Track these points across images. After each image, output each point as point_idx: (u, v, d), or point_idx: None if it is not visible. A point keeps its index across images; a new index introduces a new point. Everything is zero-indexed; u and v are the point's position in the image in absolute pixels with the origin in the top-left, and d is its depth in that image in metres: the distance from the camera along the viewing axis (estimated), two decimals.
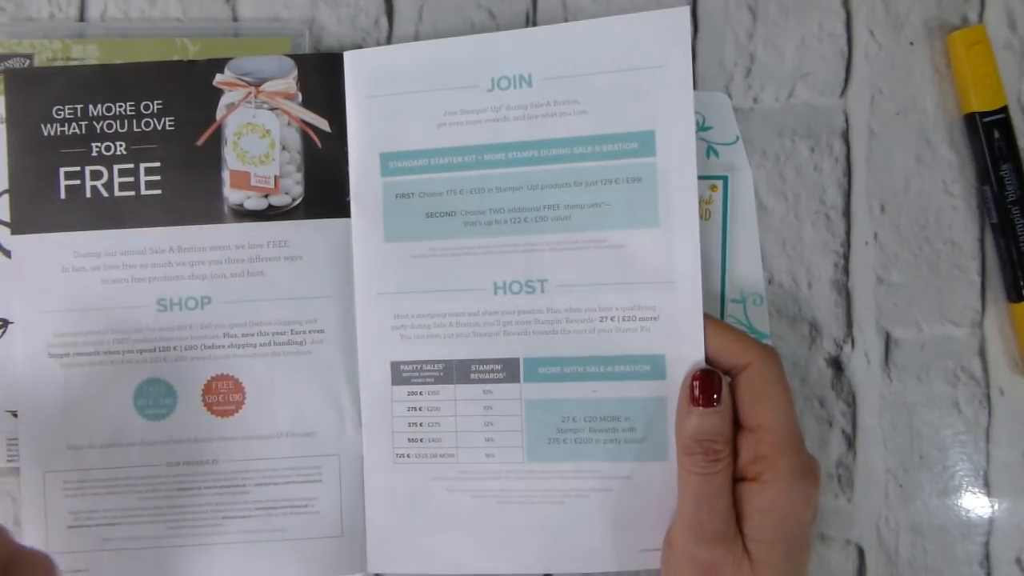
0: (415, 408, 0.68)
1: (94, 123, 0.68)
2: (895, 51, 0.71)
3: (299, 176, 0.69)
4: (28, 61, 0.70)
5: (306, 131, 0.69)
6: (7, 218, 0.69)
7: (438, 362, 0.68)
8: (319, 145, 0.69)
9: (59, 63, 0.70)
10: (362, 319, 0.68)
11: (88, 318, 0.68)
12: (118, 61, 0.70)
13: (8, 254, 0.69)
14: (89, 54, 0.70)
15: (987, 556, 0.70)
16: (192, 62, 0.69)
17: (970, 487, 0.70)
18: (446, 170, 0.67)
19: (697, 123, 0.70)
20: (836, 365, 0.71)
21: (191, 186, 0.69)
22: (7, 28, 0.71)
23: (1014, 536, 0.70)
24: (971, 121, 0.69)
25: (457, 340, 0.67)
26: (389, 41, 0.72)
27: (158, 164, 0.68)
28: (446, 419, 0.68)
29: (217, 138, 0.69)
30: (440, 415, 0.68)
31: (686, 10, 0.64)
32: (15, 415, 0.69)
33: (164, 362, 0.68)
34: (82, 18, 0.72)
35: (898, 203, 0.70)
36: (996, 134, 0.68)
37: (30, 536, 0.68)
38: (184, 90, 0.69)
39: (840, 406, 0.71)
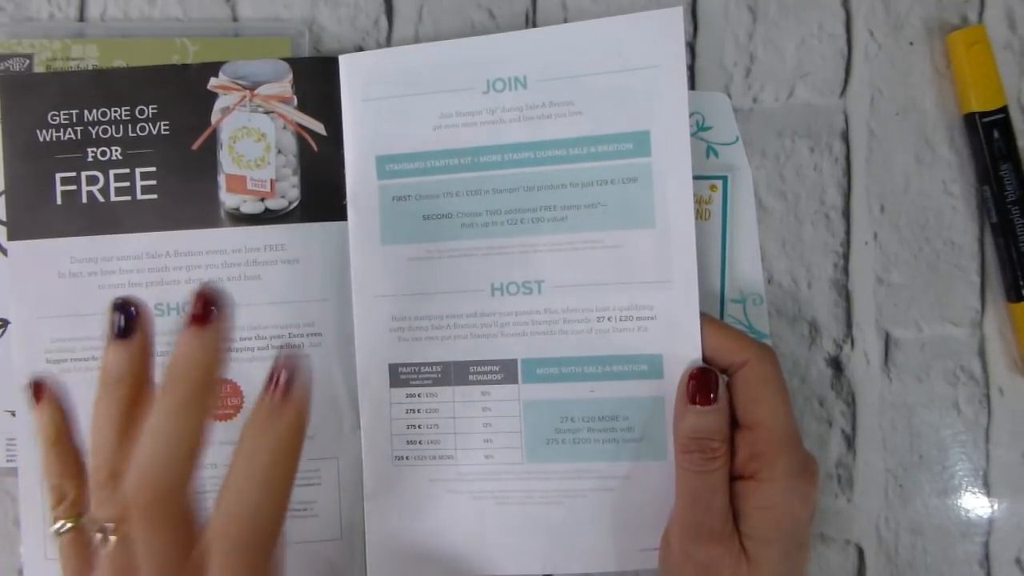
0: (413, 410, 0.68)
1: (89, 128, 0.68)
2: (895, 51, 0.70)
3: (295, 179, 0.69)
4: (28, 61, 0.70)
5: (301, 134, 0.69)
6: (5, 218, 0.69)
7: (436, 364, 0.68)
8: (315, 148, 0.69)
9: (59, 63, 0.70)
10: (360, 322, 0.68)
11: (86, 324, 0.68)
12: (118, 61, 0.70)
13: (6, 252, 0.69)
14: (89, 54, 0.71)
15: (987, 556, 0.70)
16: (186, 66, 0.69)
17: (970, 487, 0.70)
18: (442, 172, 0.67)
19: (697, 123, 0.70)
20: (836, 365, 0.71)
21: (187, 191, 0.69)
22: (7, 28, 0.71)
23: (1014, 536, 0.70)
24: (971, 121, 0.69)
25: (455, 342, 0.68)
26: (389, 41, 0.72)
27: (154, 169, 0.68)
28: (445, 421, 0.68)
29: (212, 142, 0.69)
30: (439, 417, 0.68)
31: (679, 10, 0.64)
32: (14, 415, 0.69)
33: (161, 367, 0.68)
34: (82, 18, 0.72)
35: (898, 203, 0.70)
36: (996, 134, 0.68)
37: (29, 541, 0.68)
38: (179, 94, 0.69)
39: (840, 406, 0.71)
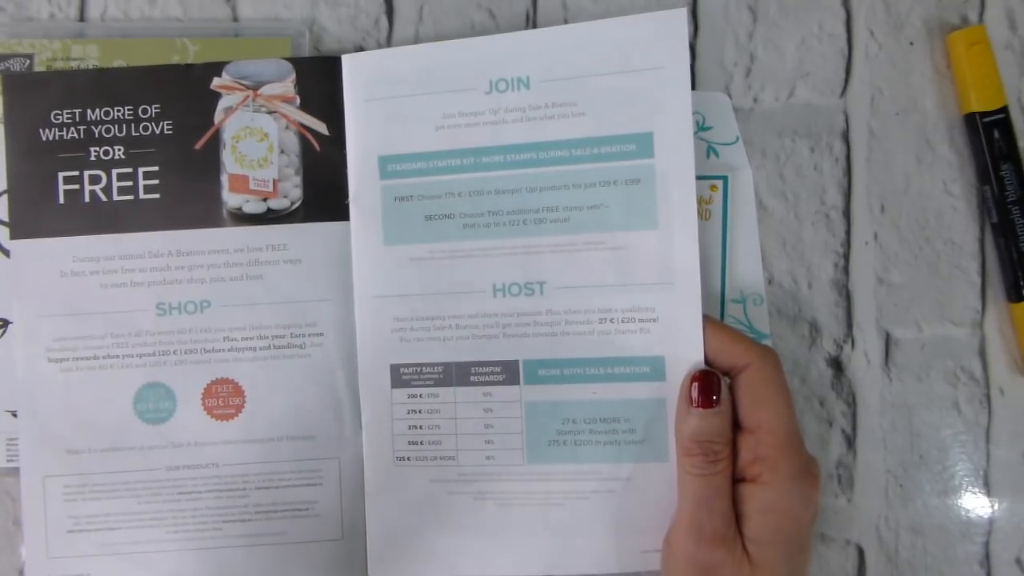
0: (415, 411, 0.68)
1: (92, 128, 0.68)
2: (895, 51, 0.71)
3: (298, 179, 0.69)
4: (28, 61, 0.70)
5: (304, 134, 0.69)
6: (7, 218, 0.69)
7: (438, 365, 0.68)
8: (317, 148, 0.69)
9: (59, 63, 0.70)
10: (361, 322, 0.68)
11: (87, 322, 0.68)
12: (118, 61, 0.70)
13: (8, 253, 0.69)
14: (89, 54, 0.70)
15: (987, 556, 0.70)
16: (189, 66, 0.69)
17: (970, 487, 0.70)
18: (445, 173, 0.67)
19: (697, 123, 0.70)
20: (836, 365, 0.71)
21: (190, 190, 0.69)
22: (7, 28, 0.71)
23: (1014, 536, 0.70)
24: (971, 121, 0.69)
25: (457, 343, 0.67)
26: (389, 41, 0.72)
27: (156, 168, 0.68)
28: (446, 422, 0.68)
29: (215, 142, 0.69)
30: (440, 417, 0.68)
31: (683, 11, 0.64)
32: (15, 415, 0.69)
33: (164, 366, 0.68)
34: (82, 18, 0.72)
35: (898, 203, 0.70)
36: (996, 134, 0.68)
37: (30, 540, 0.68)
38: (182, 94, 0.69)
39: (840, 406, 0.71)
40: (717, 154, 0.70)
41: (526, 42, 0.67)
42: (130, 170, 0.68)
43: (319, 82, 0.69)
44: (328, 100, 0.69)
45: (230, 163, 0.69)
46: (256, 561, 0.68)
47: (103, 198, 0.68)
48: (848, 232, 0.70)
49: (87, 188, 0.68)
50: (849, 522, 0.71)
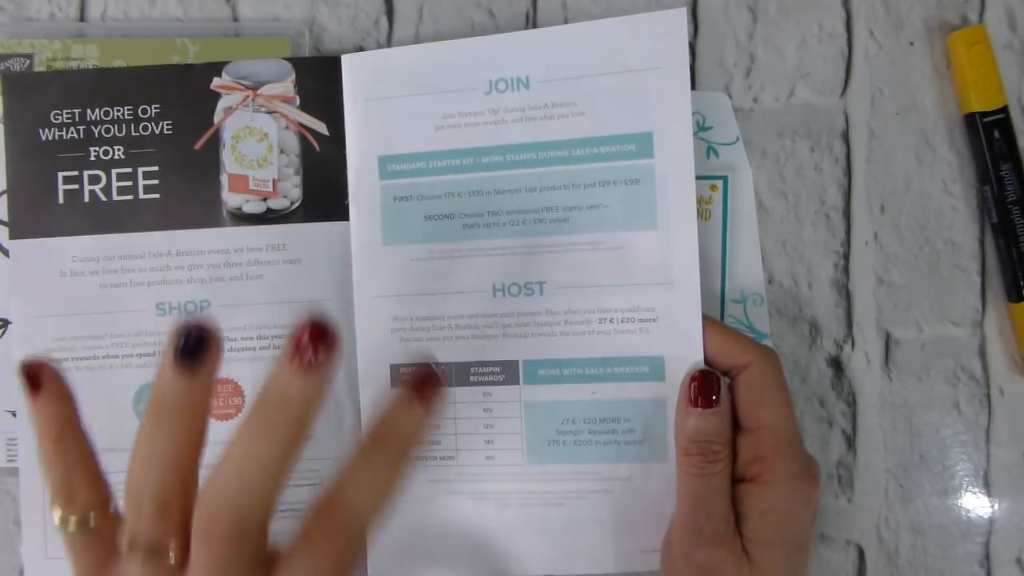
0: None
1: (92, 127, 0.68)
2: (895, 51, 0.71)
3: (297, 179, 0.69)
4: (28, 61, 0.70)
5: (304, 134, 0.69)
6: (7, 218, 0.69)
7: (437, 365, 0.67)
8: (317, 148, 0.69)
9: (59, 63, 0.70)
10: (361, 322, 0.68)
11: (87, 322, 0.68)
12: (118, 61, 0.70)
13: (7, 253, 0.69)
14: (89, 54, 0.70)
15: (987, 556, 0.70)
16: (189, 66, 0.69)
17: (970, 487, 0.70)
18: (444, 173, 0.67)
19: (697, 123, 0.70)
20: (836, 365, 0.71)
21: (189, 190, 0.69)
22: (7, 28, 0.71)
23: (1014, 536, 0.70)
24: (971, 121, 0.69)
25: (456, 343, 0.67)
26: (390, 41, 0.72)
27: (156, 168, 0.68)
28: (446, 421, 0.68)
29: (215, 142, 0.69)
30: (440, 417, 0.68)
31: (683, 11, 0.64)
32: (15, 415, 0.69)
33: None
34: (82, 18, 0.72)
35: (898, 203, 0.70)
36: (996, 134, 0.68)
37: (29, 541, 0.68)
38: (182, 94, 0.69)
39: (840, 406, 0.70)
40: (717, 154, 0.70)
41: (526, 42, 0.67)
42: (130, 170, 0.68)
43: (319, 82, 0.69)
44: (328, 100, 0.69)
45: (230, 163, 0.69)
46: None
47: (103, 198, 0.68)
48: (848, 232, 0.70)
49: (87, 188, 0.68)
50: (849, 522, 0.70)
